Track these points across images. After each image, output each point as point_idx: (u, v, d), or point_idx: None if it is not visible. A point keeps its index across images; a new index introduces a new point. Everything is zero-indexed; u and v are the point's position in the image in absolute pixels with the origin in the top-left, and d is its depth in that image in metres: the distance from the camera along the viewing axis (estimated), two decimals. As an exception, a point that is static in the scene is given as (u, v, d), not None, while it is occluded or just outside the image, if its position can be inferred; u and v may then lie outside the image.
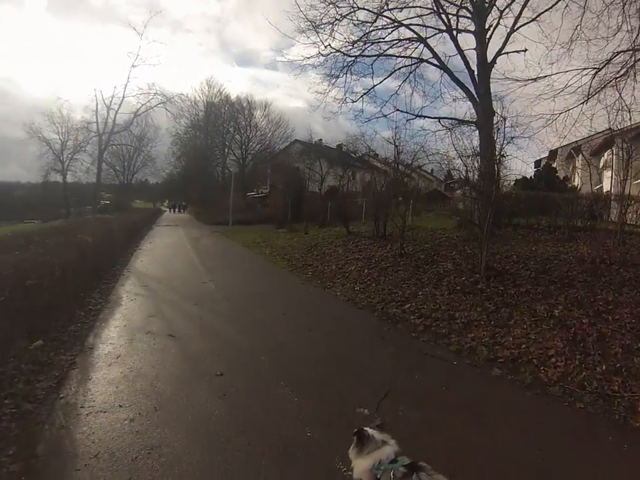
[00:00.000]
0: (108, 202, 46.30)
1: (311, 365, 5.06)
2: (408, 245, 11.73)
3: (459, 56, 13.67)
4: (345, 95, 15.14)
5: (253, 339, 6.01)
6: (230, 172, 44.60)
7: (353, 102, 15.14)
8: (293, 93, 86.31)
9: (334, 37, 14.05)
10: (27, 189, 50.12)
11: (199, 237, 22.45)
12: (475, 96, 13.30)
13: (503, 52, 13.29)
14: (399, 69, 14.77)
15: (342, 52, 14.34)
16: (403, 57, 14.49)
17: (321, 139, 29.90)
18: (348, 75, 14.82)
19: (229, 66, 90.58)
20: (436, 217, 19.64)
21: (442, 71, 14.27)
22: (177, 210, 63.37)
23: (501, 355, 5.39)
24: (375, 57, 14.60)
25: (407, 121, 14.62)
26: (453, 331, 6.33)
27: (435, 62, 14.07)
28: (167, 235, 23.64)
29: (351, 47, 14.25)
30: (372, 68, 14.81)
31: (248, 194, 42.18)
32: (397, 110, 14.78)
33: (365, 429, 2.35)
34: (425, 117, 14.66)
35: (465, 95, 13.83)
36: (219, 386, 4.42)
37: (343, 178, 21.99)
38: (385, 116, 15.05)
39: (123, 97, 31.19)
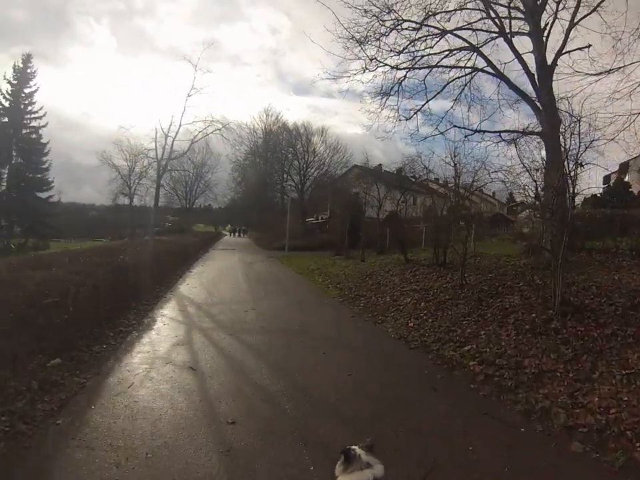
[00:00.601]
0: (170, 224, 48.70)
1: (339, 422, 4.19)
2: (470, 274, 10.58)
3: (515, 62, 12.34)
4: (397, 112, 14.21)
5: (281, 381, 5.25)
6: (289, 197, 45.07)
7: (407, 119, 14.14)
8: (351, 120, 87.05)
9: (382, 50, 13.29)
10: (99, 210, 53.97)
11: (253, 261, 22.36)
12: (537, 103, 11.90)
13: (564, 51, 11.77)
14: (452, 81, 13.54)
15: (390, 65, 13.45)
16: (457, 67, 13.31)
17: (380, 164, 29.14)
18: (400, 93, 13.83)
19: (286, 95, 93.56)
20: (499, 243, 18.14)
21: (499, 80, 12.87)
22: (237, 234, 65.03)
23: (582, 421, 4.17)
24: (427, 70, 13.55)
25: (465, 137, 13.44)
26: (521, 383, 5.17)
27: (491, 70, 12.77)
28: (221, 259, 23.88)
29: (398, 58, 13.38)
30: (424, 84, 13.75)
31: (307, 220, 42.23)
32: (454, 126, 13.60)
33: (353, 448, 2.21)
34: (484, 131, 13.23)
35: (526, 103, 12.46)
36: (226, 438, 3.73)
37: (401, 202, 21.03)
38: (442, 133, 13.88)
39: (180, 125, 33.00)
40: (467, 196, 12.28)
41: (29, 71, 29.59)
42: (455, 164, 12.21)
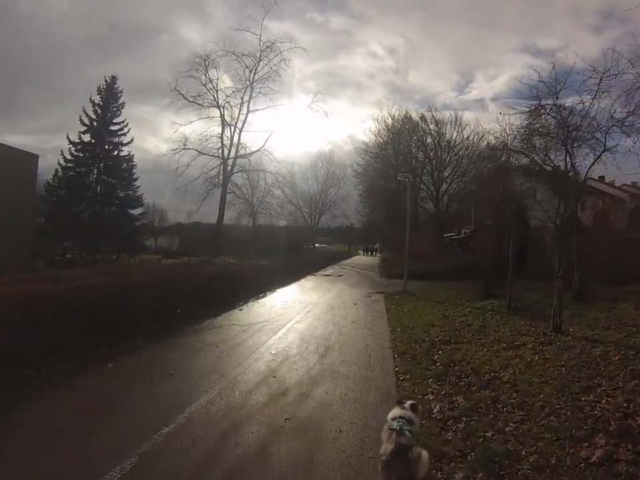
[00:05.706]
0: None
1: None
2: None
3: None
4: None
5: None
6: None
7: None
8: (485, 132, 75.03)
9: None
10: (239, 229, 53.58)
11: (339, 306, 13.06)
12: None
13: None
14: None
15: None
16: None
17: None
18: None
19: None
20: None
21: None
22: (369, 253, 58.45)
23: None
24: None
25: None
26: None
27: None
28: (294, 296, 15.59)
29: None
30: None
31: (445, 235, 32.46)
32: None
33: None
34: None
35: None
36: None
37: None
38: None
39: (247, 116, 29.33)
40: None
41: (114, 91, 28.63)
42: None
